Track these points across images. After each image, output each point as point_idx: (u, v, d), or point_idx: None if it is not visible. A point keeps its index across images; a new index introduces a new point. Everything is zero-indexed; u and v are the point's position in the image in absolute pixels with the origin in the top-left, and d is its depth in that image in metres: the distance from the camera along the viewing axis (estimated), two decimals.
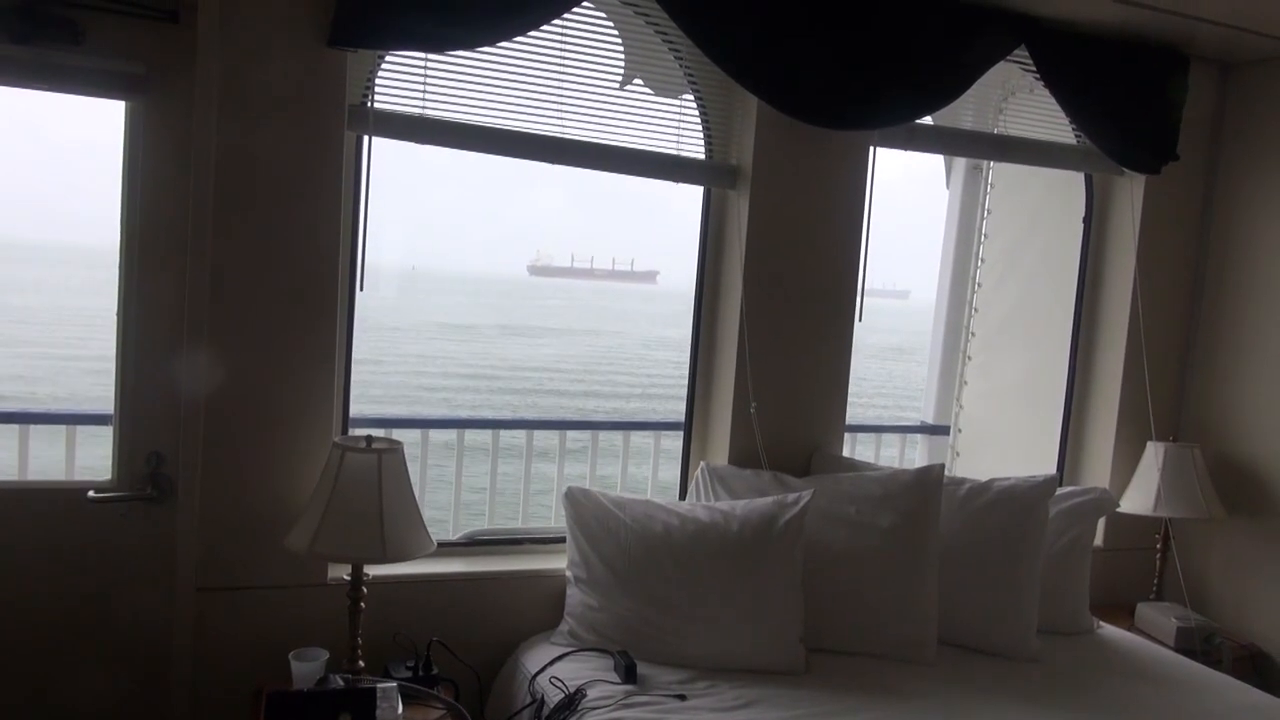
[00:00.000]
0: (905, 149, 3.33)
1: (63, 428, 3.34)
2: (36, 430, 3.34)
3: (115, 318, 2.57)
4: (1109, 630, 3.22)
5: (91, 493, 2.52)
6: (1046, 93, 3.31)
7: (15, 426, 3.33)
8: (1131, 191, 3.61)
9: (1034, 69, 3.26)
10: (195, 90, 2.46)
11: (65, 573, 2.54)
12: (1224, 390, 3.62)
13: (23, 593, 2.52)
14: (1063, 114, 3.40)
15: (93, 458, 3.23)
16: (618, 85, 2.98)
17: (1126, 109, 3.39)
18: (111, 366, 2.59)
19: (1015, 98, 3.54)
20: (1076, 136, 3.55)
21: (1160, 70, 3.45)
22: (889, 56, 3.02)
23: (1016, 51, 3.21)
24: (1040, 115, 3.51)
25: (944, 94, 3.12)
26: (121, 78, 2.42)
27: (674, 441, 3.56)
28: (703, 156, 3.15)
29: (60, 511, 2.53)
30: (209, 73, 2.46)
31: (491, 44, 2.71)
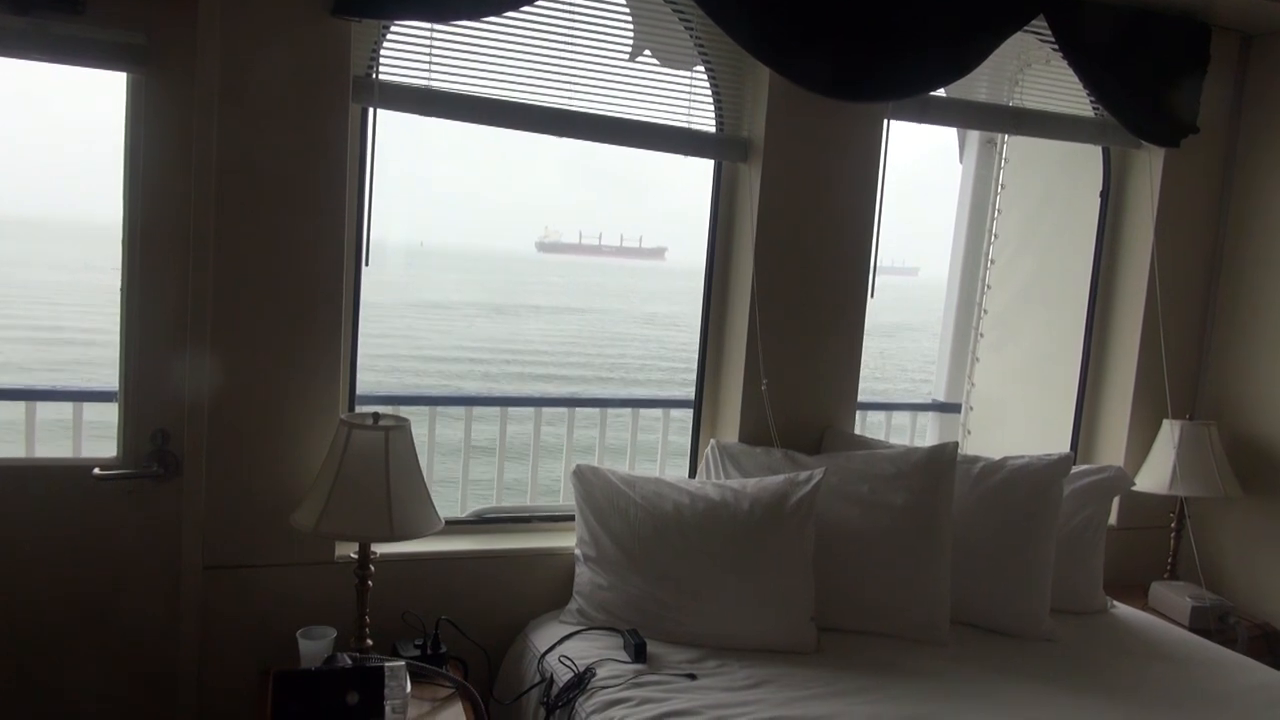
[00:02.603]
0: (919, 121, 3.27)
1: (69, 404, 3.33)
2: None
3: (119, 294, 2.54)
4: (1123, 610, 3.20)
5: (97, 470, 2.50)
6: (1063, 64, 3.24)
7: (21, 403, 3.32)
8: (1150, 165, 3.54)
9: (1051, 39, 3.19)
10: (197, 61, 2.42)
11: (70, 550, 2.53)
12: (1242, 368, 3.57)
13: (27, 569, 2.50)
14: (1080, 86, 3.34)
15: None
16: (627, 57, 2.93)
17: (1145, 80, 3.32)
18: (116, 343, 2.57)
19: (1031, 69, 3.47)
20: (1094, 109, 3.48)
21: (1180, 40, 3.38)
22: (903, 27, 2.96)
23: (1034, 22, 3.14)
24: (1057, 87, 3.45)
25: (960, 65, 3.05)
26: (122, 49, 2.38)
27: (682, 437, 3.52)
28: (714, 129, 3.10)
29: (66, 489, 2.52)
30: (211, 43, 2.42)
31: (497, 13, 2.65)
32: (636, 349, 26.69)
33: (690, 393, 3.37)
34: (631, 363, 24.68)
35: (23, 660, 2.52)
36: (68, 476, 2.52)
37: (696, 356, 3.29)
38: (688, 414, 3.39)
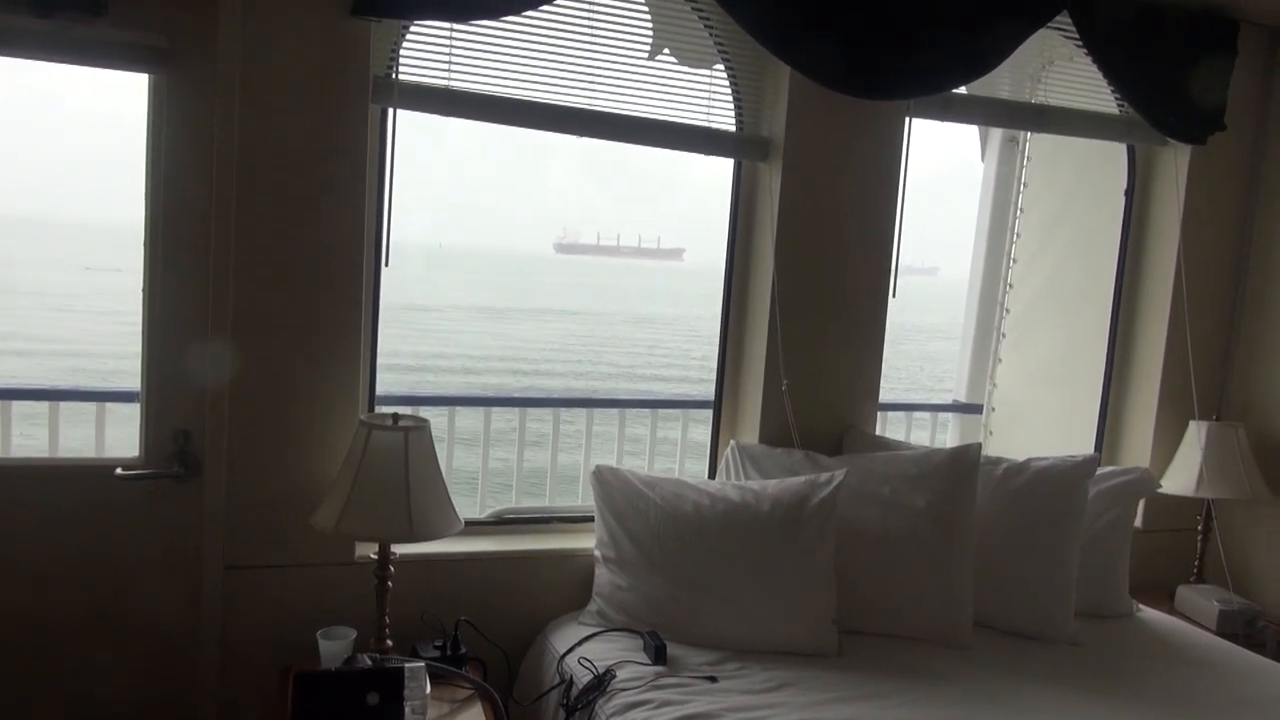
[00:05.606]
0: (941, 119, 3.24)
1: (92, 405, 3.35)
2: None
3: (141, 295, 2.54)
4: (1149, 613, 3.16)
5: (119, 470, 2.51)
6: (1087, 60, 3.21)
7: (45, 404, 3.34)
8: (1176, 163, 3.49)
9: (1075, 36, 3.16)
10: (218, 62, 2.42)
11: (92, 549, 2.54)
12: (1270, 368, 3.51)
13: (49, 568, 2.51)
14: (1104, 83, 3.29)
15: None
16: (646, 56, 2.92)
17: (1171, 77, 3.27)
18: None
19: (1054, 65, 3.43)
20: (1119, 106, 3.44)
21: (1207, 36, 3.33)
22: (925, 23, 2.93)
23: (1057, 18, 3.10)
24: (1081, 84, 3.40)
25: (982, 62, 3.02)
26: (144, 50, 2.39)
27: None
28: (733, 128, 3.08)
29: (88, 489, 2.53)
30: (231, 45, 2.43)
31: (516, 13, 2.65)
32: (627, 358, 26.43)
33: (700, 391, 3.35)
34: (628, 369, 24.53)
35: (43, 657, 2.53)
36: (90, 477, 2.53)
37: (715, 358, 3.27)
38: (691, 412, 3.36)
